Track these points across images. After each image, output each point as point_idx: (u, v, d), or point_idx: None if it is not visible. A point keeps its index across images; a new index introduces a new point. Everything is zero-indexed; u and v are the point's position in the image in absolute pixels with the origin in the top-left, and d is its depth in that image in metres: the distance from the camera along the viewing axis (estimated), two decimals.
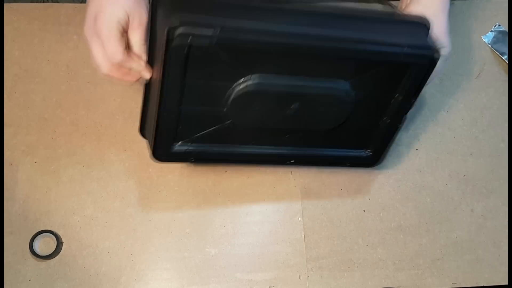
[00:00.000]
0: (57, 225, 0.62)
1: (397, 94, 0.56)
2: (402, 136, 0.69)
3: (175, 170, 0.66)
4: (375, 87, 0.55)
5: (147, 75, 0.52)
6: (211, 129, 0.56)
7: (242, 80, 0.51)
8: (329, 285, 0.62)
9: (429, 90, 0.71)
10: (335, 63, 0.53)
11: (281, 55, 0.50)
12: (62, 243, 0.62)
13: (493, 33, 0.74)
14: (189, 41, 0.45)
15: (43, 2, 0.87)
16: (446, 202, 0.67)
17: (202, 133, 0.57)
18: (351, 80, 0.54)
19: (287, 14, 0.51)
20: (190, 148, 0.58)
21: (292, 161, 0.62)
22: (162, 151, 0.57)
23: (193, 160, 0.60)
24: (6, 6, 0.70)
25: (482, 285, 0.63)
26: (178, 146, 0.57)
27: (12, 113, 0.66)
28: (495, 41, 0.74)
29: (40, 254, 0.61)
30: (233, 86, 0.52)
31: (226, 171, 0.66)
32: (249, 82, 0.51)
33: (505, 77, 0.72)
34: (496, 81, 0.72)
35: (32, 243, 0.61)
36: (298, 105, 0.55)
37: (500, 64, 0.73)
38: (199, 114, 0.55)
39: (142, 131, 0.60)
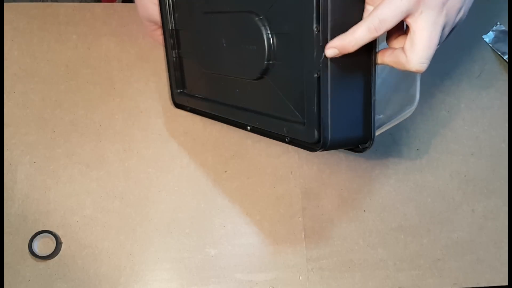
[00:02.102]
0: (56, 225, 0.62)
1: (315, 25, 0.42)
2: (403, 136, 0.69)
3: (174, 170, 0.66)
4: (290, 19, 0.46)
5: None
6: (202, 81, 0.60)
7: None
8: (330, 286, 0.62)
9: (429, 89, 0.71)
10: None
11: None
12: (61, 243, 0.62)
13: (494, 32, 0.74)
14: None
15: (42, 1, 0.87)
16: (447, 202, 0.66)
17: (196, 85, 0.61)
18: (263, 14, 0.48)
19: None
20: (188, 97, 0.63)
21: (248, 127, 0.55)
22: (173, 97, 0.65)
23: (188, 110, 0.64)
24: (6, 5, 0.70)
25: (483, 285, 0.63)
26: (180, 95, 0.64)
27: (11, 113, 0.66)
28: (496, 40, 0.74)
29: (39, 255, 0.61)
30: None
31: (226, 171, 0.66)
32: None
33: (506, 77, 0.72)
34: (497, 81, 0.72)
35: (31, 244, 0.61)
36: (225, 42, 0.53)
37: (501, 64, 0.73)
38: (191, 62, 0.60)
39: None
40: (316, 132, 0.45)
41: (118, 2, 0.88)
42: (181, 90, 0.64)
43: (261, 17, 0.48)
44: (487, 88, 0.72)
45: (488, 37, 0.74)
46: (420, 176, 0.67)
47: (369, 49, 0.44)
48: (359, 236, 0.64)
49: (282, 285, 0.62)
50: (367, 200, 0.66)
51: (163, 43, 0.63)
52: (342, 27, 0.41)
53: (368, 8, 0.42)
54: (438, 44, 0.42)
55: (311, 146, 0.46)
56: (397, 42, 0.43)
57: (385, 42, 0.45)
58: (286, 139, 0.49)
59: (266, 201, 0.65)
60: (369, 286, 0.62)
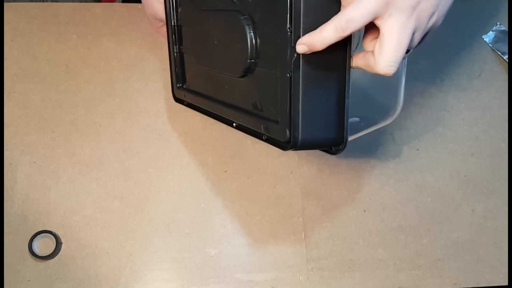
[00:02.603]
0: (56, 225, 0.62)
1: (288, 26, 0.43)
2: (403, 136, 0.69)
3: (174, 170, 0.66)
4: (270, 19, 0.46)
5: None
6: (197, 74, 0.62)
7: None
8: (330, 286, 0.62)
9: (429, 89, 0.71)
10: None
11: None
12: (61, 243, 0.62)
13: (494, 32, 0.74)
14: None
15: (42, 1, 0.87)
16: (447, 202, 0.66)
17: (191, 77, 0.63)
18: (248, 14, 0.50)
19: None
20: (186, 92, 0.64)
21: (234, 123, 0.56)
22: (174, 91, 0.66)
23: (186, 104, 0.65)
24: (6, 5, 0.70)
25: (483, 285, 0.63)
26: (179, 89, 0.65)
27: (11, 113, 0.66)
28: (495, 40, 0.74)
29: (39, 255, 0.61)
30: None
31: (226, 171, 0.66)
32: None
33: (506, 77, 0.72)
34: (497, 81, 0.72)
35: (31, 244, 0.61)
36: (216, 39, 0.55)
37: (501, 64, 0.73)
38: (191, 58, 0.61)
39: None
40: (287, 131, 0.45)
41: (118, 2, 0.88)
42: (181, 85, 0.65)
43: (246, 17, 0.49)
44: (487, 88, 0.72)
45: (488, 37, 0.74)
46: (420, 176, 0.67)
47: (344, 52, 0.44)
48: (359, 236, 0.64)
49: (282, 285, 0.62)
50: (367, 200, 0.66)
51: None
52: (315, 28, 0.42)
53: None
54: (410, 49, 0.42)
55: (283, 145, 0.47)
56: (371, 45, 0.43)
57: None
58: (263, 137, 0.50)
59: (266, 201, 0.65)
60: (369, 286, 0.62)
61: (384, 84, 0.56)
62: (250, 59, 0.50)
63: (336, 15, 0.40)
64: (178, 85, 0.65)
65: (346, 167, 0.67)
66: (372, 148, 0.68)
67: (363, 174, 0.67)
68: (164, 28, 0.65)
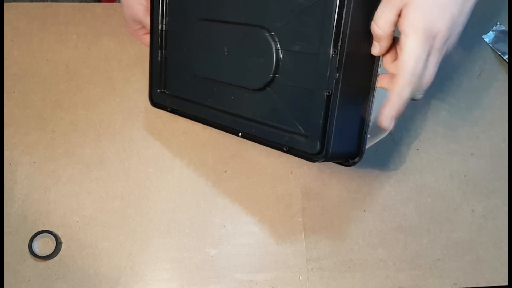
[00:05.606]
0: (56, 225, 0.62)
1: (333, 48, 0.46)
2: (403, 136, 0.69)
3: (174, 170, 0.66)
4: (302, 39, 0.49)
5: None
6: (182, 81, 0.62)
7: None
8: (330, 286, 0.62)
9: (429, 89, 0.71)
10: (255, 7, 0.52)
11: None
12: (61, 243, 0.62)
13: (494, 32, 0.74)
14: None
15: (42, 1, 0.87)
16: (447, 202, 0.66)
17: (177, 83, 0.62)
18: (275, 31, 0.51)
19: None
20: (170, 98, 0.63)
21: (240, 133, 0.56)
22: (152, 96, 0.64)
23: (169, 110, 0.64)
24: (6, 5, 0.70)
25: (483, 285, 0.63)
26: (160, 95, 0.64)
27: (11, 113, 0.66)
28: (495, 40, 0.74)
29: (39, 255, 0.61)
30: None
31: (226, 171, 0.66)
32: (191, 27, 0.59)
33: (506, 77, 0.72)
34: (497, 81, 0.72)
35: (31, 244, 0.61)
36: (227, 50, 0.55)
37: (501, 64, 0.73)
38: (177, 64, 0.61)
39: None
40: (318, 144, 0.48)
41: (118, 2, 0.88)
42: (162, 90, 0.64)
43: (272, 33, 0.51)
44: (487, 88, 0.72)
45: (488, 37, 0.74)
46: (420, 176, 0.67)
47: (371, 73, 0.49)
48: (359, 236, 0.64)
49: (282, 285, 0.62)
50: (367, 200, 0.66)
51: (145, 42, 0.64)
52: (355, 52, 0.46)
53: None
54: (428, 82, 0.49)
55: (312, 157, 0.49)
56: (392, 67, 0.48)
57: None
58: (285, 148, 0.52)
59: (266, 201, 0.65)
60: (369, 286, 0.62)
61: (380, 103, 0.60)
62: (274, 74, 0.51)
63: (395, 80, 0.45)
64: (158, 91, 0.64)
65: (346, 167, 0.67)
66: (372, 148, 0.68)
67: (363, 174, 0.67)
68: (141, 32, 0.65)
